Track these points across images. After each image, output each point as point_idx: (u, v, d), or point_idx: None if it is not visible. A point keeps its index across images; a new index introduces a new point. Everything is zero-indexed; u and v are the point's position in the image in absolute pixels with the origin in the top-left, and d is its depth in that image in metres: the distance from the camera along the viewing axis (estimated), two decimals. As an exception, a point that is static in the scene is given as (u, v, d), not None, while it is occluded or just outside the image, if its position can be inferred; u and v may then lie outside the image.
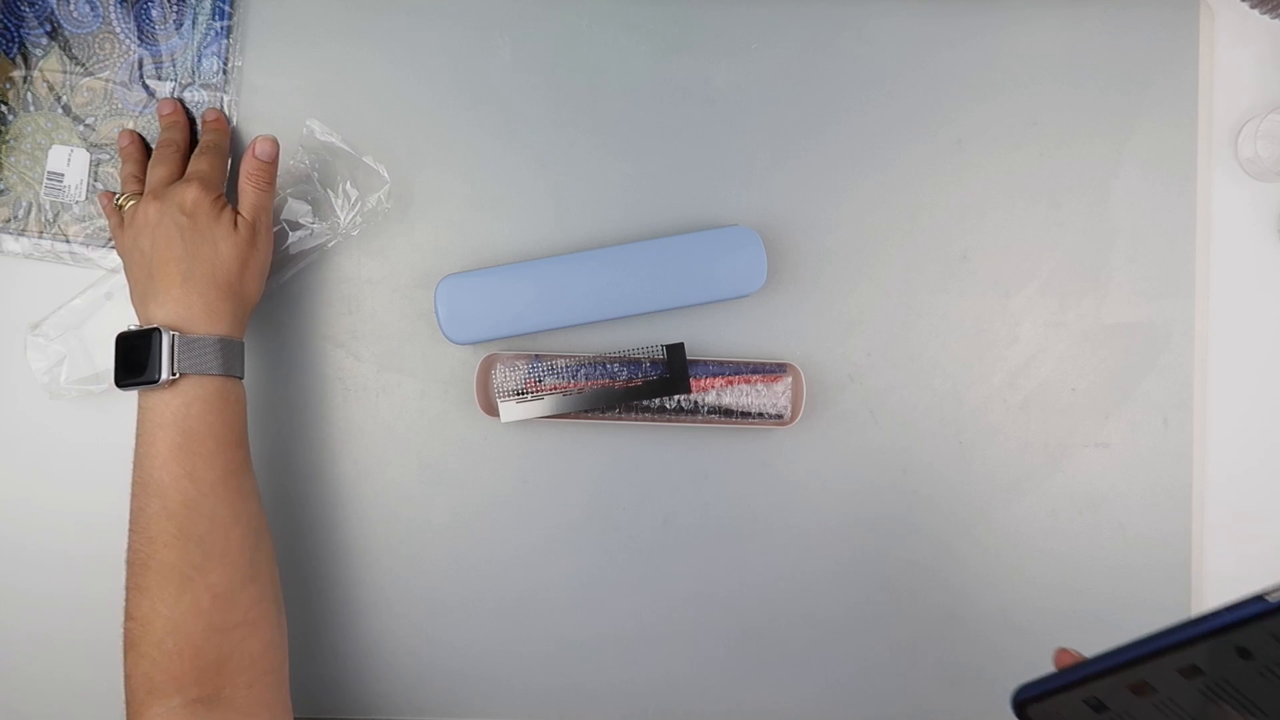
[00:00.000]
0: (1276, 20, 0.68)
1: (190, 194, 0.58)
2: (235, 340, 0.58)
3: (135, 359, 0.55)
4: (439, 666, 0.66)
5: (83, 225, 0.65)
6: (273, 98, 0.66)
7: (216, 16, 0.65)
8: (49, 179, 0.65)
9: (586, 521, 0.67)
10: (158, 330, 0.55)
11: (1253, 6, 0.67)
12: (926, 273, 0.67)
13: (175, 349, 0.55)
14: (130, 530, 0.55)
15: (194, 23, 0.65)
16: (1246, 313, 0.68)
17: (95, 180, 0.65)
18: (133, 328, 0.56)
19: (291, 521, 0.67)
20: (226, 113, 0.65)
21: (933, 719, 0.68)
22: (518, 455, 0.67)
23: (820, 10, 0.67)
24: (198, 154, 0.62)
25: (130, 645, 0.53)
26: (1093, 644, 0.69)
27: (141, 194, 0.60)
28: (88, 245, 0.65)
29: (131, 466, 0.56)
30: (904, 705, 0.68)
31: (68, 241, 0.65)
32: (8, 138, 0.65)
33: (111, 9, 0.65)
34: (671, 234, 0.65)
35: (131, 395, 0.57)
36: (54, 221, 0.65)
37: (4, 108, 0.65)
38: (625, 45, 0.67)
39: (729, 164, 0.67)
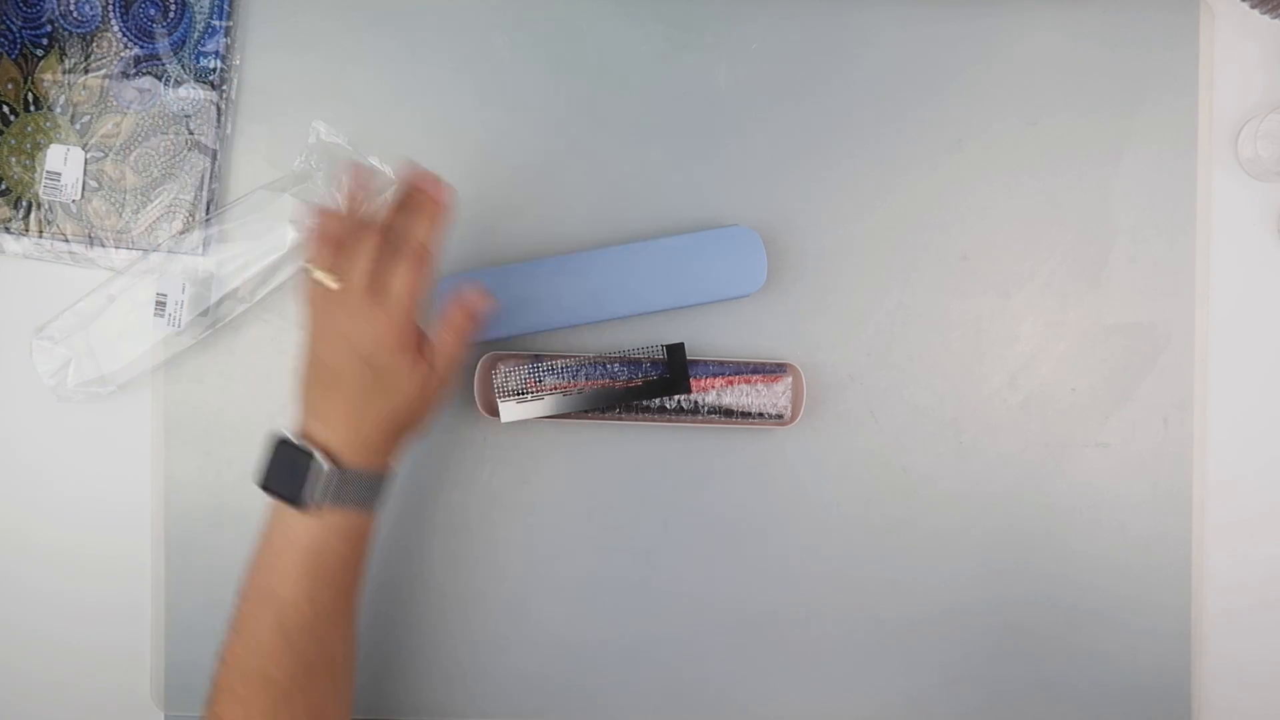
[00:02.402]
0: (1276, 20, 0.68)
1: (389, 333, 0.52)
2: (390, 476, 0.57)
3: (285, 472, 0.53)
4: (439, 666, 0.66)
5: (80, 224, 0.65)
6: (272, 97, 0.66)
7: (216, 15, 0.65)
8: (47, 178, 0.65)
9: (587, 521, 0.67)
10: (315, 457, 0.53)
11: (1253, 6, 0.67)
12: (926, 273, 0.67)
13: (330, 483, 0.53)
14: (232, 629, 0.54)
15: (193, 21, 0.65)
16: (1246, 313, 0.68)
17: (90, 179, 0.65)
18: (290, 435, 0.54)
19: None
20: (223, 110, 0.65)
21: (933, 719, 0.68)
22: (518, 455, 0.67)
23: (821, 10, 0.67)
24: (408, 263, 0.53)
25: None
26: (1092, 643, 0.69)
27: (335, 268, 0.53)
28: (87, 245, 0.65)
29: (248, 567, 0.54)
30: (904, 705, 0.68)
31: (67, 241, 0.65)
32: (9, 137, 0.65)
33: (111, 8, 0.65)
34: (671, 234, 0.65)
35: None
36: (53, 221, 0.65)
37: (5, 108, 0.65)
38: (625, 45, 0.67)
39: (729, 164, 0.67)
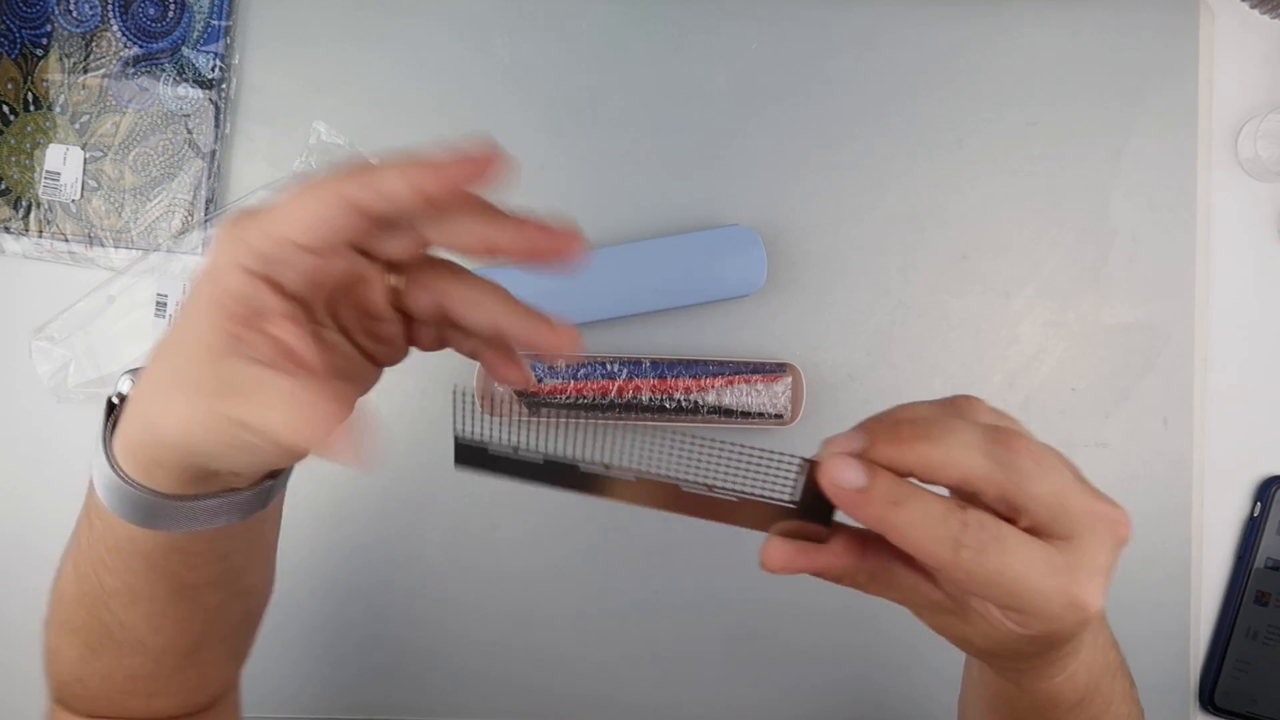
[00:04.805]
0: (1276, 20, 0.68)
1: (206, 293, 0.33)
2: (135, 489, 0.36)
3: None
4: (439, 667, 0.66)
5: (80, 224, 0.65)
6: (272, 97, 0.66)
7: (215, 15, 0.65)
8: (46, 178, 0.65)
9: (586, 522, 0.67)
10: (120, 392, 0.39)
11: (1253, 7, 0.67)
12: (926, 273, 0.67)
13: (98, 457, 0.37)
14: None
15: (192, 21, 0.65)
16: (1246, 313, 0.68)
17: (89, 179, 0.65)
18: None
19: (290, 522, 0.66)
20: (222, 110, 0.65)
21: (932, 719, 0.68)
22: (518, 455, 0.67)
23: (820, 11, 0.67)
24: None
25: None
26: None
27: None
28: (87, 245, 0.65)
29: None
30: (904, 705, 0.68)
31: (66, 240, 0.65)
32: (8, 137, 0.65)
33: (110, 7, 0.65)
34: (671, 234, 0.65)
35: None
36: (52, 221, 0.65)
37: (5, 108, 0.65)
38: (625, 45, 0.67)
39: (729, 164, 0.67)
